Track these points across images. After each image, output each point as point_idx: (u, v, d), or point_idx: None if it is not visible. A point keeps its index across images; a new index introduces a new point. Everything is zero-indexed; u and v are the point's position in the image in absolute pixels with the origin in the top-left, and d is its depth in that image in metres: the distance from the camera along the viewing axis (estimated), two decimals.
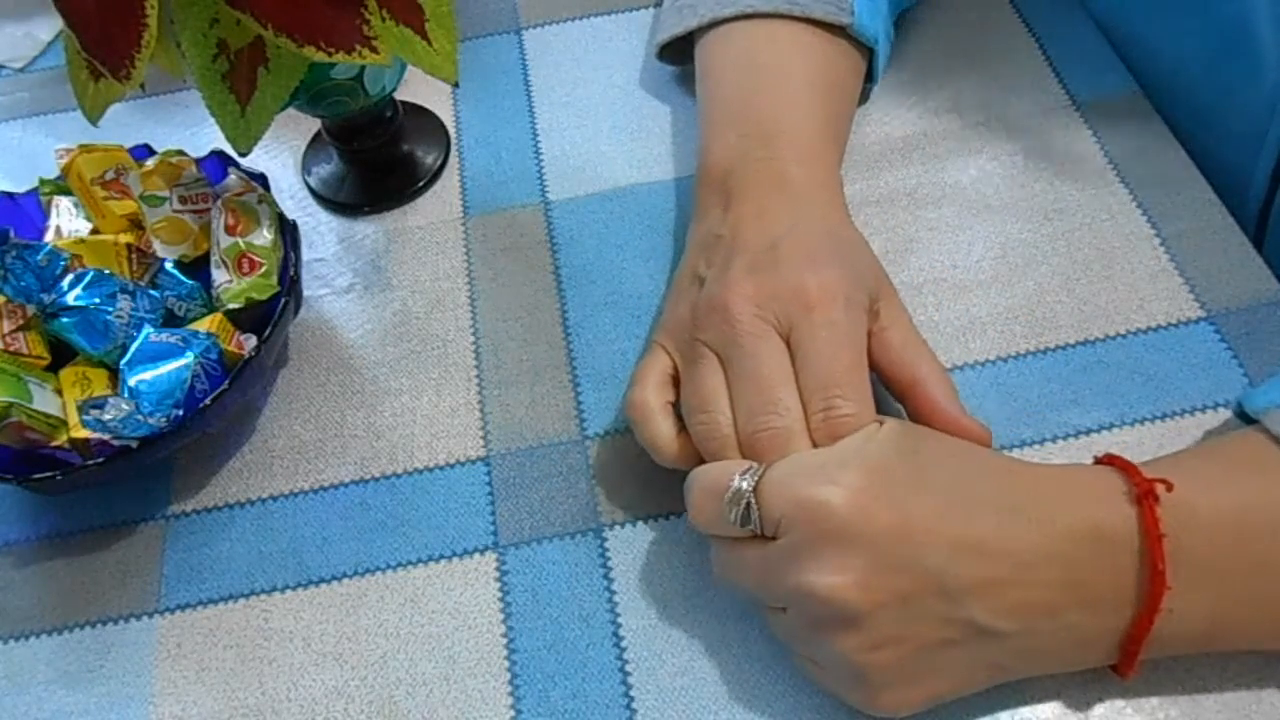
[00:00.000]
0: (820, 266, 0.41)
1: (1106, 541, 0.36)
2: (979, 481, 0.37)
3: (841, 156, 0.51)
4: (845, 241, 0.44)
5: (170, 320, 0.48)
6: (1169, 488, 0.36)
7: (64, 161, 0.50)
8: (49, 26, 0.68)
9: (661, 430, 0.42)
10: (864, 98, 0.57)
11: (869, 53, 0.54)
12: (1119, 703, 0.39)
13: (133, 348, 0.45)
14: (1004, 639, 0.36)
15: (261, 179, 0.50)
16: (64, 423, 0.45)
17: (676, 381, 0.43)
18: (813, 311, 0.40)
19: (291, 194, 0.58)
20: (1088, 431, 0.45)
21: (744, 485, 0.37)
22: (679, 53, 0.57)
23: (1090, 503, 0.37)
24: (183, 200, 0.49)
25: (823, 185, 0.47)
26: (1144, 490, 0.36)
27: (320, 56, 0.41)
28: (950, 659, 0.36)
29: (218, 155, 0.51)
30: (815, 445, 0.38)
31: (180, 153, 0.50)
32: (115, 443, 0.43)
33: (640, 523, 0.45)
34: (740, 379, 0.40)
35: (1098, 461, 0.39)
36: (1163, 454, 0.44)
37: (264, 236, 0.48)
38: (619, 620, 0.43)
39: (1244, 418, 0.44)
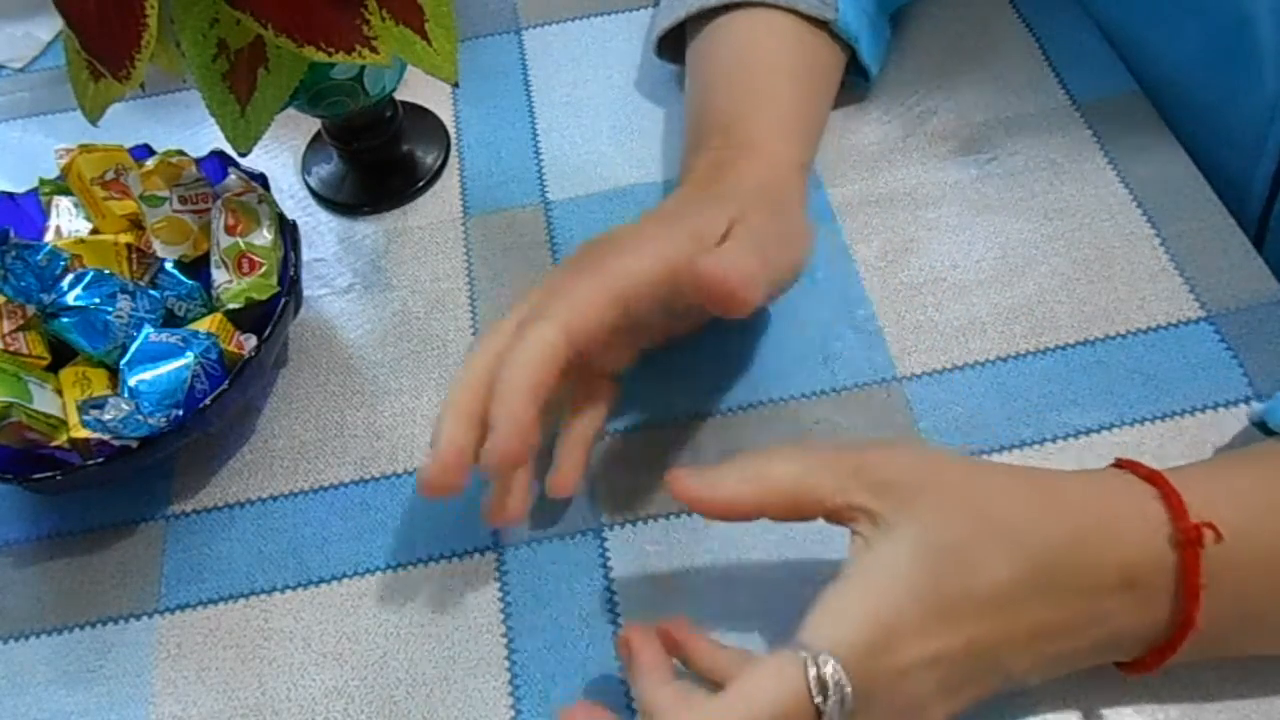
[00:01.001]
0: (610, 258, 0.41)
1: (1142, 589, 0.35)
2: (1030, 543, 0.35)
3: (804, 146, 0.51)
4: (679, 209, 0.44)
5: (170, 320, 0.48)
6: (1218, 537, 0.34)
7: (64, 161, 0.50)
8: (49, 26, 0.68)
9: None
10: (864, 96, 0.57)
11: (850, 51, 0.54)
12: (1119, 703, 0.39)
13: (133, 348, 0.45)
14: (1033, 675, 0.36)
15: (261, 179, 0.50)
16: (64, 423, 0.45)
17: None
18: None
19: (291, 194, 0.58)
20: (1088, 431, 0.45)
21: (834, 692, 0.32)
22: (679, 51, 0.57)
23: (1131, 546, 0.35)
24: (183, 200, 0.49)
25: (760, 173, 0.46)
26: (1190, 538, 0.34)
27: (320, 56, 0.41)
28: (975, 694, 0.36)
29: (218, 155, 0.51)
30: None
31: (180, 153, 0.50)
32: (115, 443, 0.43)
33: (640, 523, 0.45)
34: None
35: (1135, 470, 0.37)
36: (1163, 454, 0.44)
37: (264, 236, 0.48)
38: (619, 620, 0.43)
39: (1260, 427, 0.44)
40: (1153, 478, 0.36)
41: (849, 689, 0.32)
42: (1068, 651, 0.35)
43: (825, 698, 0.32)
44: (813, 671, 0.32)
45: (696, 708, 0.33)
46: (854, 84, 0.56)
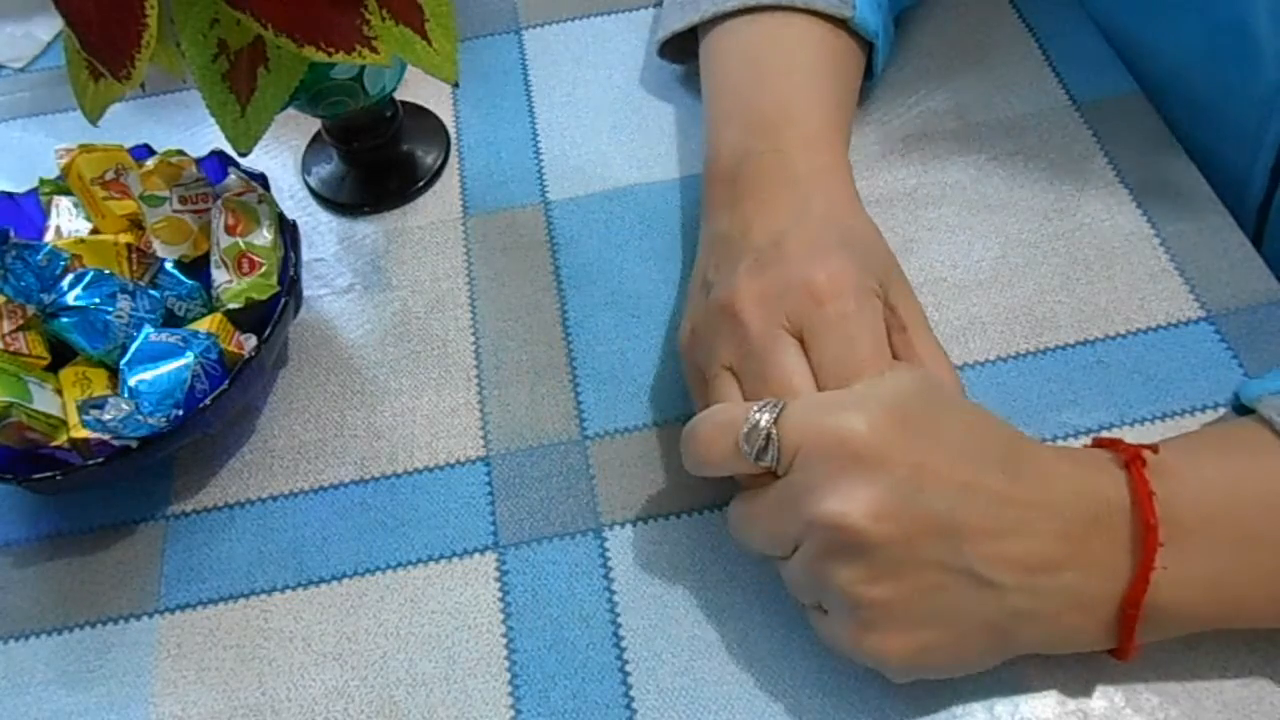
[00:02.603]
0: (827, 257, 0.41)
1: (1101, 503, 0.36)
2: (986, 436, 0.38)
3: (848, 143, 0.51)
4: (853, 230, 0.44)
5: (170, 320, 0.48)
6: (1154, 450, 0.37)
7: (64, 161, 0.50)
8: (49, 26, 0.68)
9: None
10: (862, 95, 0.57)
11: (868, 47, 0.54)
12: (1119, 703, 0.39)
13: (133, 348, 0.45)
14: (1001, 593, 0.35)
15: (261, 179, 0.50)
16: (64, 423, 0.45)
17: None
18: (823, 305, 0.40)
19: (291, 194, 0.58)
20: (1088, 431, 0.45)
21: (763, 419, 0.37)
22: (680, 51, 0.57)
23: (1084, 469, 0.38)
24: (183, 200, 0.49)
25: (829, 172, 0.46)
26: (1131, 455, 0.37)
27: (320, 56, 0.41)
28: (945, 607, 0.36)
29: (218, 155, 0.51)
30: None
31: (180, 153, 0.50)
32: (115, 443, 0.43)
33: (640, 523, 0.45)
34: (754, 383, 0.40)
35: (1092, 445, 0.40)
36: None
37: (264, 236, 0.48)
38: (619, 620, 0.43)
39: (1240, 410, 0.44)
40: (1096, 441, 0.40)
41: (774, 433, 0.36)
42: (1023, 536, 0.35)
43: (747, 425, 0.37)
44: (755, 407, 0.37)
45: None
46: None
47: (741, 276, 0.42)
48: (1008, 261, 0.51)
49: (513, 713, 0.41)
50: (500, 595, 0.44)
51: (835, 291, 0.40)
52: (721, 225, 0.46)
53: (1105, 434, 0.45)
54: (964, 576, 0.35)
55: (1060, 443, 0.45)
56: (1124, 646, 0.37)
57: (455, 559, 0.45)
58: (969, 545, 0.35)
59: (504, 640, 0.43)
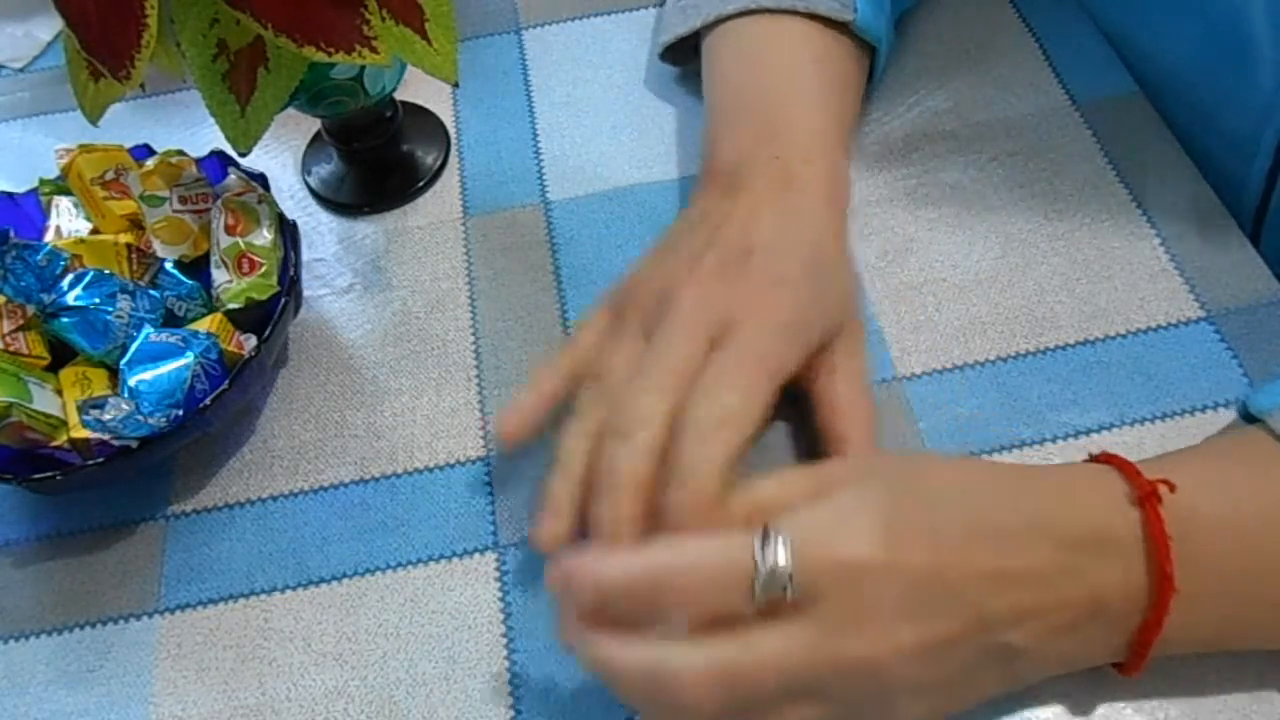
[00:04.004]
0: (781, 289, 0.42)
1: (1112, 547, 0.35)
2: (989, 499, 0.36)
3: (849, 154, 0.51)
4: (823, 264, 0.44)
5: (170, 320, 0.48)
6: (1171, 488, 0.35)
7: (64, 161, 0.50)
8: (49, 26, 0.68)
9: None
10: (865, 96, 0.57)
11: (871, 51, 0.54)
12: (1119, 703, 0.39)
13: (133, 348, 0.45)
14: (1027, 655, 0.35)
15: (261, 179, 0.50)
16: (64, 423, 0.45)
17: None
18: (744, 327, 0.41)
19: (291, 194, 0.58)
20: (1088, 431, 0.45)
21: (781, 560, 0.33)
22: (681, 53, 0.57)
23: (1093, 508, 0.36)
24: (183, 200, 0.49)
25: (826, 186, 0.47)
26: (1146, 493, 0.35)
27: (320, 56, 0.41)
28: (973, 678, 0.35)
29: (218, 155, 0.51)
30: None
31: (180, 153, 0.50)
32: (115, 443, 0.43)
33: None
34: (651, 354, 0.41)
35: (1094, 459, 0.39)
36: (1162, 453, 0.44)
37: (264, 236, 0.48)
38: None
39: (1248, 418, 0.44)
40: (1102, 458, 0.38)
41: (791, 571, 0.33)
42: (1050, 609, 0.35)
43: (763, 571, 0.33)
44: (758, 545, 0.33)
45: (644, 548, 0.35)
46: None
47: (704, 269, 0.43)
48: (1008, 261, 0.51)
49: (513, 713, 0.41)
50: (500, 595, 0.44)
51: (764, 320, 0.41)
52: (709, 206, 0.47)
53: (1105, 434, 0.45)
54: (998, 651, 0.35)
55: (1060, 443, 0.45)
56: (1131, 668, 0.37)
57: (455, 559, 0.45)
58: (1004, 628, 0.35)
59: (504, 640, 0.43)
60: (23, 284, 0.45)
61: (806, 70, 0.50)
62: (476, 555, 0.45)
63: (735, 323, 0.41)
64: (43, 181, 0.52)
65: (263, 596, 0.45)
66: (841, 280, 0.45)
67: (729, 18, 0.53)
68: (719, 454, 0.38)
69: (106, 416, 0.41)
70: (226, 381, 0.44)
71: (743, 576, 0.33)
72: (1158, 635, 0.35)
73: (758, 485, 0.37)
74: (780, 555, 0.33)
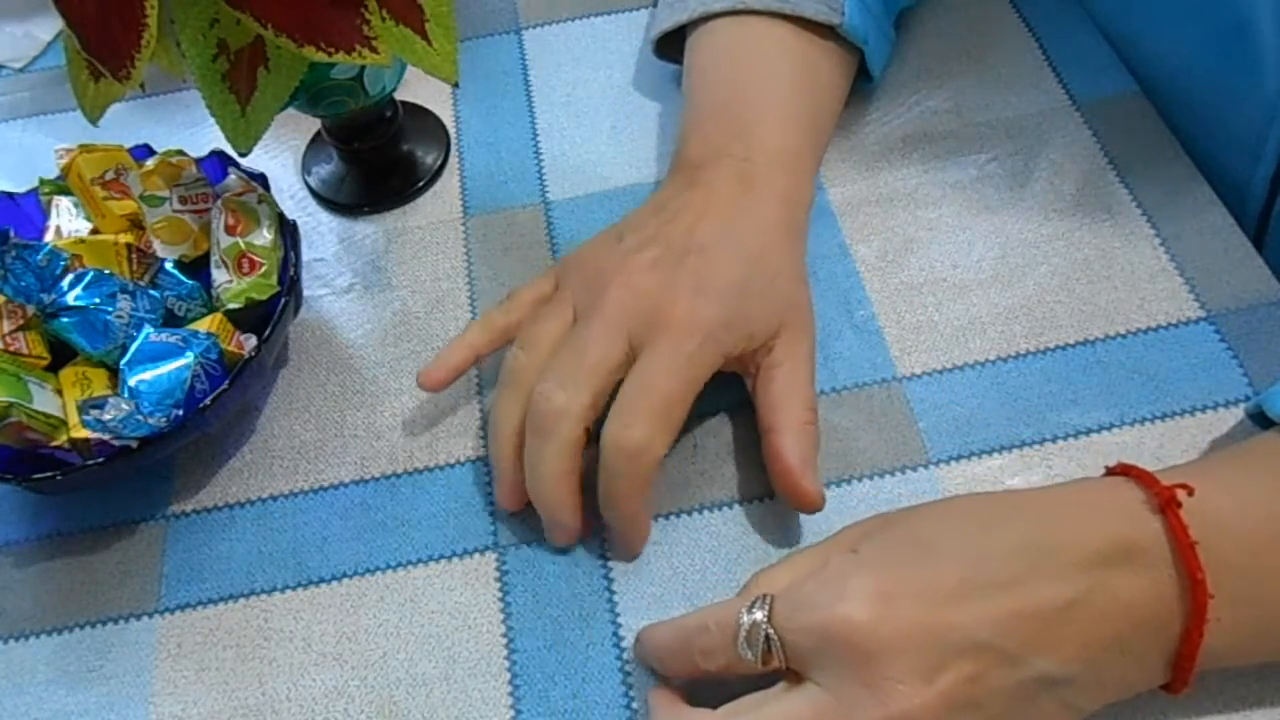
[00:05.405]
0: (706, 297, 0.42)
1: (1138, 556, 0.34)
2: (992, 534, 0.36)
3: (819, 160, 0.52)
4: (762, 270, 0.44)
5: (170, 320, 0.48)
6: (1190, 492, 0.35)
7: (64, 161, 0.50)
8: (49, 26, 0.68)
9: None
10: (862, 95, 0.57)
11: (859, 53, 0.54)
12: (1119, 703, 0.39)
13: (133, 348, 0.45)
14: (1075, 682, 0.34)
15: (261, 179, 0.50)
16: (64, 423, 0.45)
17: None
18: (665, 335, 0.42)
19: (291, 194, 0.58)
20: (1088, 431, 0.45)
21: (758, 617, 0.35)
22: (678, 50, 0.57)
23: (1112, 520, 0.35)
24: (183, 200, 0.49)
25: (784, 190, 0.47)
26: (1165, 498, 0.35)
27: (320, 56, 0.41)
28: (1030, 713, 0.35)
29: (218, 155, 0.51)
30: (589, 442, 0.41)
31: (180, 153, 0.50)
32: (115, 443, 0.43)
33: None
34: (570, 347, 0.42)
35: (1110, 471, 0.38)
36: (1163, 454, 0.44)
37: (264, 236, 0.48)
38: (619, 620, 0.43)
39: (1256, 419, 0.44)
40: (1119, 469, 0.38)
41: (770, 632, 0.35)
42: (1084, 630, 0.34)
43: (744, 627, 0.35)
44: (744, 606, 0.36)
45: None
46: (855, 84, 0.56)
47: (640, 261, 0.44)
48: (1008, 261, 0.51)
49: (513, 713, 0.41)
50: (500, 595, 0.44)
51: (684, 330, 0.42)
52: (670, 194, 0.47)
53: (1105, 434, 0.45)
54: (1039, 683, 0.34)
55: (1060, 443, 0.45)
56: (1179, 685, 0.36)
57: (455, 559, 0.45)
58: (1031, 658, 0.34)
59: (504, 640, 0.43)
60: (23, 284, 0.45)
61: (782, 72, 0.51)
62: (476, 555, 0.45)
63: (656, 324, 0.42)
64: (43, 181, 0.52)
65: (263, 596, 0.45)
66: (782, 287, 0.45)
67: (714, 16, 0.53)
68: (636, 482, 0.41)
69: (106, 416, 0.41)
70: (226, 381, 0.44)
71: (733, 634, 0.36)
72: (1200, 643, 0.34)
73: (772, 571, 0.39)
74: (758, 614, 0.35)
